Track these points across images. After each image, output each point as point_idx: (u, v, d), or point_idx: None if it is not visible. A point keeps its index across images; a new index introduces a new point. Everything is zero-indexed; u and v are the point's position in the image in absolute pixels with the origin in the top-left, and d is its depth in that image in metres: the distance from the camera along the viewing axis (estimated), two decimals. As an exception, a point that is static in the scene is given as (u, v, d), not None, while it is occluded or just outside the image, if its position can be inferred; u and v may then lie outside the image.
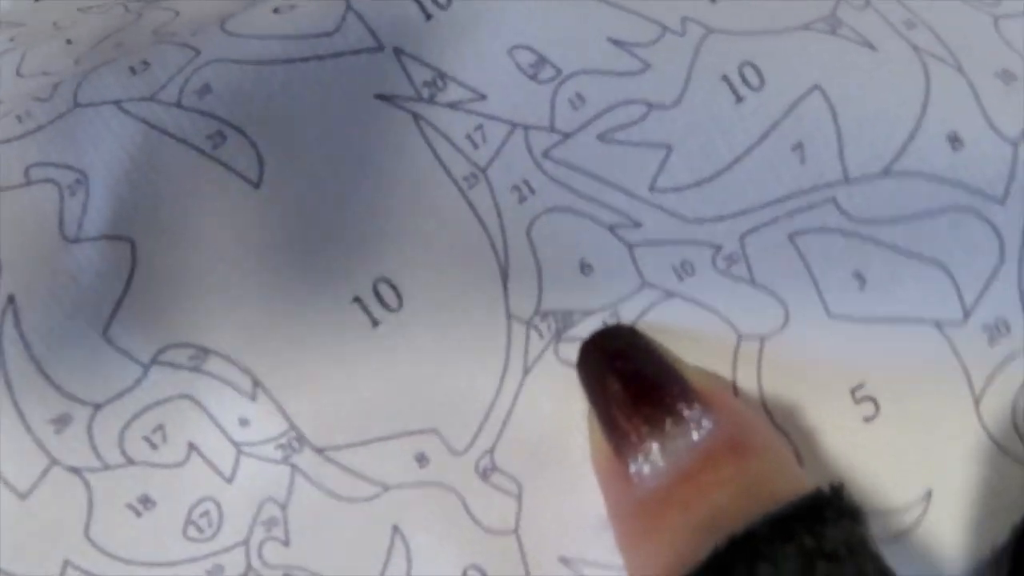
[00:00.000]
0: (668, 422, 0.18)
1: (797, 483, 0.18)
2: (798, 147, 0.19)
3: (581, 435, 0.20)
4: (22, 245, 0.18)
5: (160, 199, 0.18)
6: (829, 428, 0.20)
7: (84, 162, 0.18)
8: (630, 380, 0.19)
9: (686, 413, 0.18)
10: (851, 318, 0.20)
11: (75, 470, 0.19)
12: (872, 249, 0.20)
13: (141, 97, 0.19)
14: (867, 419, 0.20)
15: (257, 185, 0.19)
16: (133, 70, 0.19)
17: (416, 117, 0.19)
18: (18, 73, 0.21)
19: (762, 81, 0.19)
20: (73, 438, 0.19)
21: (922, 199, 0.19)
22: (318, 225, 0.19)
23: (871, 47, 0.20)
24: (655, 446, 0.18)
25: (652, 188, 0.19)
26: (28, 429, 0.18)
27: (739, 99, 0.19)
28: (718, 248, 0.20)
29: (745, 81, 0.19)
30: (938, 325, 0.20)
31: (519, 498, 0.20)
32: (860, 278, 0.20)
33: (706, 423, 0.18)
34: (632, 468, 0.19)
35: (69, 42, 0.21)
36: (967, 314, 0.20)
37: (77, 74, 0.19)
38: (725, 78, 0.19)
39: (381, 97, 0.19)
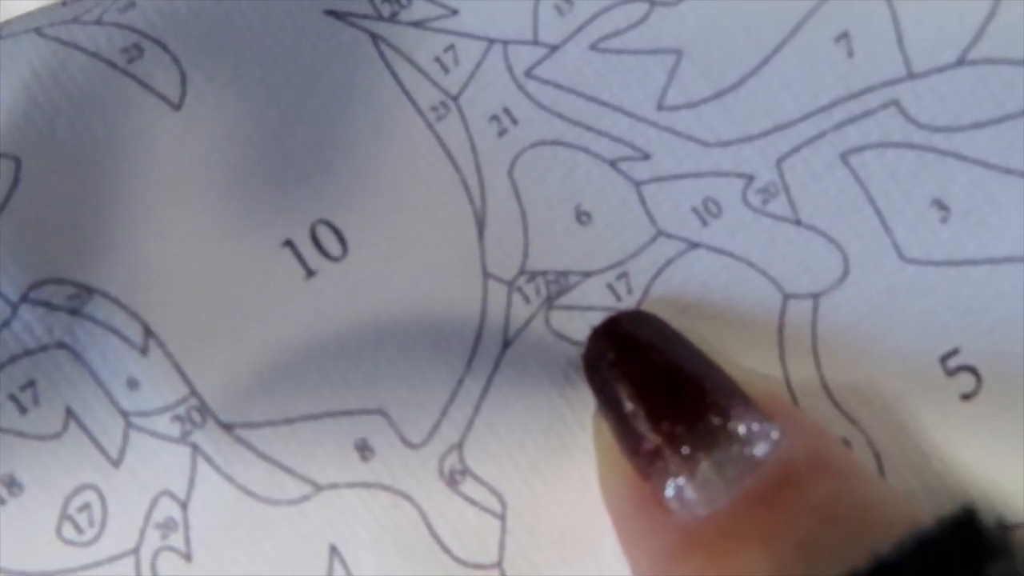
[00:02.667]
0: (721, 429, 0.14)
1: (908, 508, 0.14)
2: (843, 37, 0.15)
3: (584, 434, 0.16)
4: None
5: (58, 116, 0.16)
6: (915, 412, 0.16)
7: None
8: (660, 376, 0.15)
9: (743, 418, 0.14)
10: (933, 261, 0.16)
11: None
12: (954, 166, 0.16)
13: (63, 21, 0.16)
14: (965, 396, 0.16)
15: (178, 106, 0.16)
16: (65, 3, 0.17)
17: (375, 38, 0.16)
18: None
19: None
20: None
21: (1014, 94, 0.15)
22: (248, 155, 0.16)
23: None
24: (703, 461, 0.14)
25: (661, 106, 0.16)
26: None
27: None
28: (749, 179, 0.16)
29: None
30: None
31: (503, 519, 0.16)
32: (941, 207, 0.16)
33: (773, 433, 0.14)
34: (669, 491, 0.14)
35: None
36: None
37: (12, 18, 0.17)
38: None
39: (332, 14, 0.16)
